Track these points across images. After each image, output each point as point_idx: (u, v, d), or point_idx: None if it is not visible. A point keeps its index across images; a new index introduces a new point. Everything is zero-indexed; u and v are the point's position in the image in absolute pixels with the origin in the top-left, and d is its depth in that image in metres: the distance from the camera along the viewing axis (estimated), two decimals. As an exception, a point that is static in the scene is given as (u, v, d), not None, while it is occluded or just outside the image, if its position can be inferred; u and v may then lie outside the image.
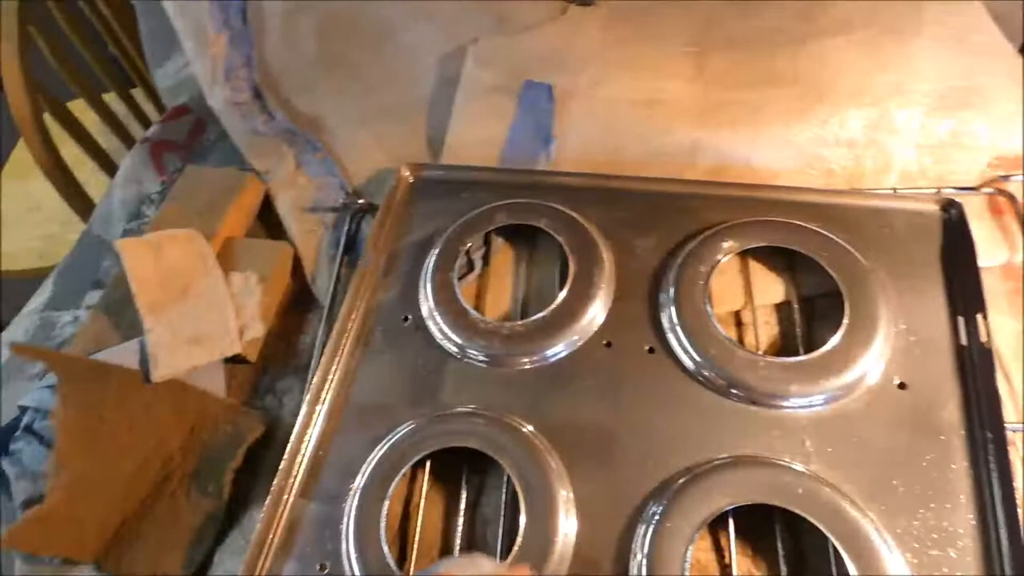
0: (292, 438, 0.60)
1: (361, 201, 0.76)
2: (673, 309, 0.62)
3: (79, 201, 1.12)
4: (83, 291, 0.86)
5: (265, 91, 0.84)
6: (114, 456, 0.62)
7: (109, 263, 0.88)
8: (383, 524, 0.55)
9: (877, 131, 0.68)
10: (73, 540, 0.59)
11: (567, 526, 0.54)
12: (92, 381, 0.63)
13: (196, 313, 0.67)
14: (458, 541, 0.56)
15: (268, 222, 0.80)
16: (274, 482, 0.58)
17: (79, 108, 1.21)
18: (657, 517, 0.53)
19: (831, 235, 0.62)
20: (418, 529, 0.57)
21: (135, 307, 0.68)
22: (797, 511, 0.51)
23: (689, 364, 0.60)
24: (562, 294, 0.64)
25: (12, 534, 0.57)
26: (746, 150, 0.69)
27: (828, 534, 0.49)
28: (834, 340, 0.57)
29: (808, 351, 0.59)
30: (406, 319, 0.67)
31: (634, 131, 0.72)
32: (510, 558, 0.52)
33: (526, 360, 0.63)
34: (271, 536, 0.56)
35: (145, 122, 1.30)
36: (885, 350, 0.57)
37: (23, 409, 0.65)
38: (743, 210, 0.66)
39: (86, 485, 0.60)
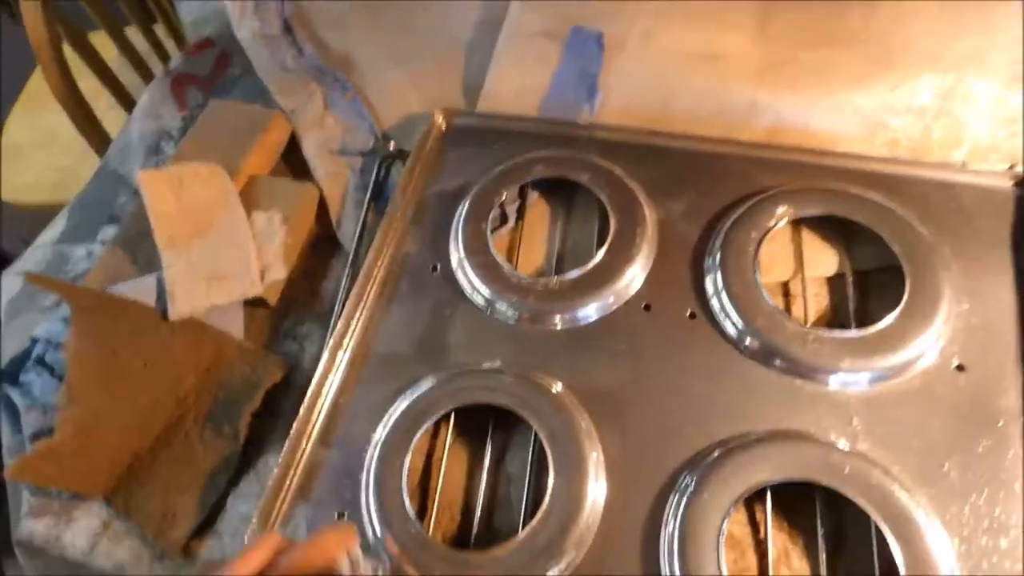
0: (312, 384, 0.58)
1: (391, 146, 0.72)
2: (719, 274, 0.58)
3: (95, 135, 1.09)
4: (98, 226, 0.83)
5: (295, 25, 0.80)
6: (127, 392, 0.59)
7: (125, 199, 0.85)
8: (405, 476, 0.53)
9: (950, 100, 0.64)
10: (82, 475, 0.57)
11: (596, 489, 0.51)
12: (106, 315, 0.61)
13: (216, 251, 0.65)
14: (480, 498, 0.54)
15: (293, 163, 0.77)
16: (293, 427, 0.56)
17: (99, 41, 1.17)
18: (692, 487, 0.50)
19: (894, 207, 0.59)
20: (439, 484, 0.55)
21: (153, 242, 0.66)
22: (844, 492, 0.48)
23: (732, 332, 0.57)
24: (601, 252, 0.61)
25: (20, 465, 0.55)
26: (806, 113, 0.64)
27: (875, 517, 0.47)
28: (892, 316, 0.54)
29: (859, 327, 0.56)
30: (434, 268, 0.64)
31: (687, 86, 0.68)
32: (536, 518, 0.50)
33: (558, 319, 0.60)
34: (288, 481, 0.54)
35: (166, 60, 1.26)
36: (945, 330, 0.54)
37: (34, 340, 0.63)
38: (799, 176, 0.63)
39: (97, 420, 0.58)
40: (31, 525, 0.59)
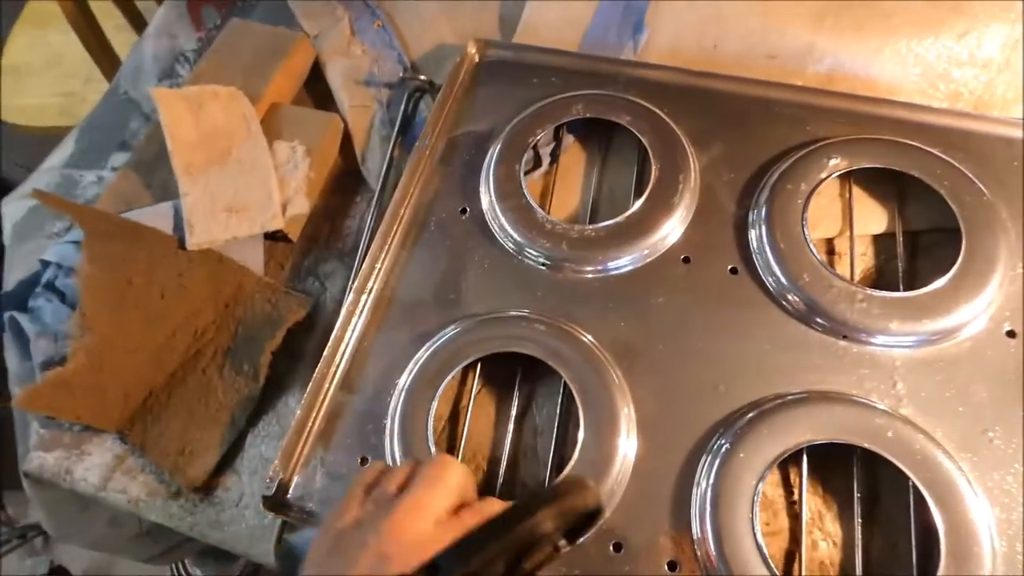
0: (337, 326, 0.55)
1: (422, 78, 0.68)
2: (764, 228, 0.56)
3: (104, 56, 1.04)
4: (108, 151, 0.80)
5: (322, -58, 0.75)
6: (142, 323, 0.57)
7: (137, 124, 0.81)
8: (430, 424, 0.51)
9: (1016, 52, 0.60)
10: (95, 407, 0.55)
11: (627, 445, 0.50)
12: (121, 240, 0.58)
13: (237, 180, 0.62)
14: (507, 448, 0.52)
15: (315, 92, 0.73)
16: (316, 370, 0.54)
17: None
18: (727, 447, 0.49)
19: (955, 163, 0.56)
20: (465, 432, 0.53)
21: (169, 168, 0.62)
22: (886, 455, 0.46)
23: (776, 289, 0.54)
24: (640, 200, 0.58)
25: (30, 395, 0.53)
26: (867, 60, 0.61)
27: (917, 482, 0.45)
28: (945, 278, 0.52)
29: (907, 287, 0.54)
30: (463, 211, 0.61)
31: (739, 27, 0.63)
32: (566, 470, 0.49)
33: (590, 268, 0.57)
34: (311, 423, 0.53)
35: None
36: (998, 295, 0.52)
37: (44, 264, 0.60)
38: (854, 126, 0.59)
39: (111, 350, 0.56)
40: (41, 457, 0.58)
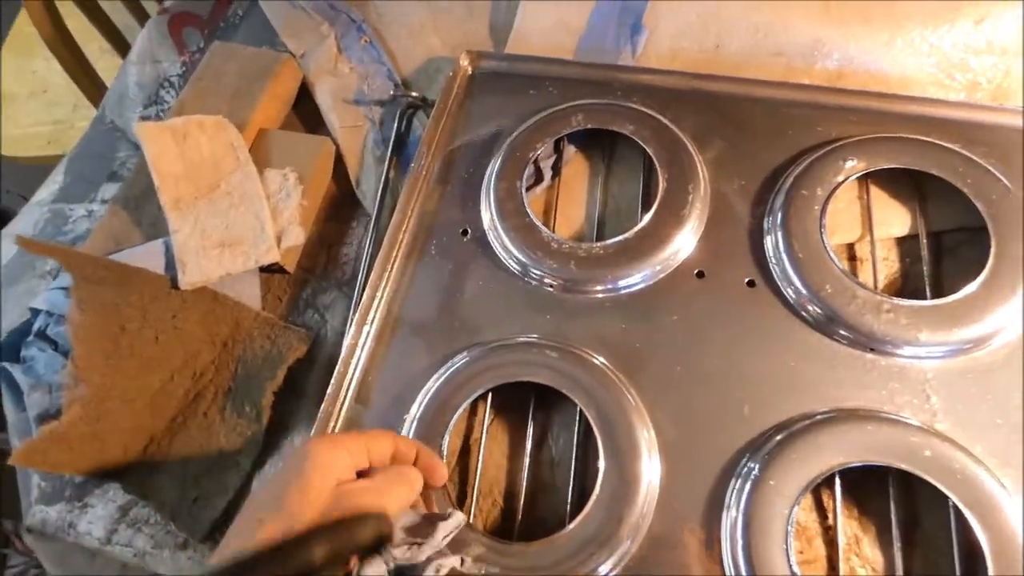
0: (340, 361, 0.53)
1: (413, 95, 0.66)
2: (780, 237, 0.53)
3: (89, 82, 1.02)
4: (97, 183, 0.78)
5: (303, -43, 0.72)
6: (138, 369, 0.55)
7: (125, 153, 0.79)
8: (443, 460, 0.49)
9: (1037, 37, 0.57)
10: (94, 459, 0.53)
11: (651, 471, 0.48)
12: (111, 285, 0.56)
13: (228, 213, 0.59)
14: (524, 484, 0.50)
15: (305, 113, 0.71)
16: (320, 408, 0.51)
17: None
18: (756, 472, 0.46)
19: (976, 158, 0.53)
20: (479, 467, 0.51)
21: (158, 202, 0.60)
22: (924, 476, 0.44)
23: (796, 301, 0.52)
24: (649, 214, 0.55)
25: (27, 451, 0.51)
26: (877, 53, 0.58)
27: (959, 503, 0.43)
28: (975, 283, 0.49)
29: (934, 292, 0.52)
30: (464, 232, 0.59)
31: (742, 24, 0.61)
32: (588, 506, 0.46)
33: (600, 288, 0.55)
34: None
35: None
36: (1032, 298, 0.49)
37: (35, 312, 0.58)
38: (869, 124, 0.56)
39: (107, 400, 0.54)
40: (43, 511, 0.56)
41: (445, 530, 0.41)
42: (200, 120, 0.62)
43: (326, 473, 0.37)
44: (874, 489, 0.47)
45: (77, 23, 1.01)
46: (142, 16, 1.12)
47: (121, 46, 1.07)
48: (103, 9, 1.05)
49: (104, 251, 0.61)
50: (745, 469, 0.47)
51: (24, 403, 0.56)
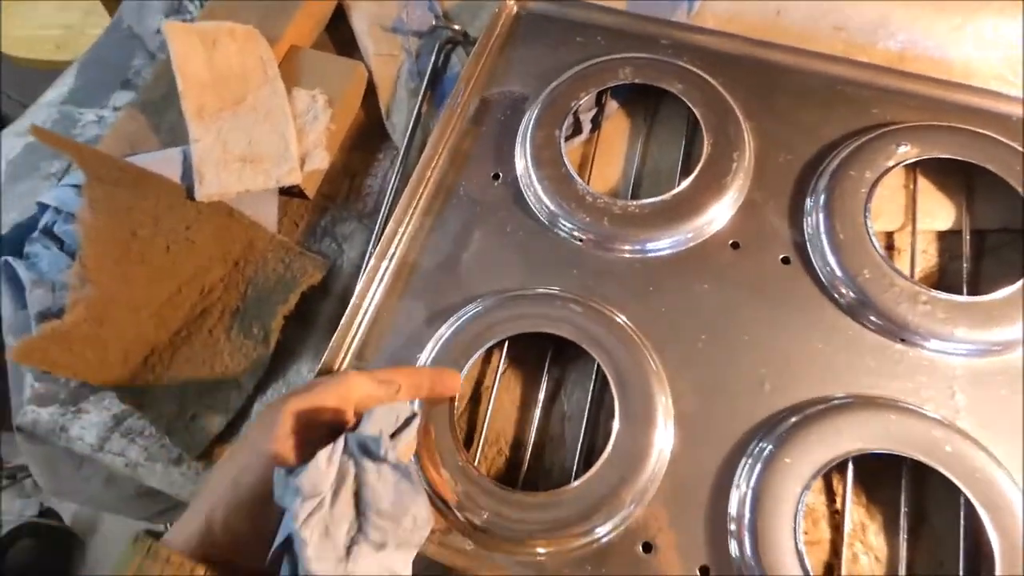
0: (355, 294, 0.52)
1: (455, 28, 0.63)
2: (822, 216, 0.52)
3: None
4: (110, 89, 0.75)
5: None
6: (146, 277, 0.53)
7: (141, 62, 0.76)
8: (453, 405, 0.48)
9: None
10: (93, 363, 0.52)
11: (664, 439, 0.47)
12: (126, 187, 0.54)
13: (252, 128, 0.57)
14: (532, 434, 0.49)
15: (338, 37, 0.68)
16: (332, 339, 0.50)
17: None
18: (770, 449, 0.45)
19: (1032, 157, 0.51)
20: (488, 414, 0.50)
21: (179, 109, 0.57)
22: (943, 470, 0.43)
23: (831, 283, 0.50)
24: (690, 177, 0.54)
25: (25, 347, 0.49)
26: (943, 38, 0.56)
27: (974, 501, 0.42)
28: (1017, 284, 0.48)
29: (970, 291, 0.50)
30: (496, 177, 0.57)
31: (807, -9, 0.58)
32: (597, 464, 0.45)
33: (630, 248, 0.53)
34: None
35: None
36: (1072, 305, 0.48)
37: (42, 208, 0.56)
38: (926, 111, 0.55)
39: (112, 304, 0.52)
40: (35, 412, 0.54)
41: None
42: (231, 28, 0.59)
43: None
44: (886, 479, 0.46)
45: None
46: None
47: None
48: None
49: (118, 154, 0.58)
50: (759, 447, 0.46)
51: (24, 300, 0.54)
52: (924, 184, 0.54)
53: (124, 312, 0.52)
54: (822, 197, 0.52)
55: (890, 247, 0.54)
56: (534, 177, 0.55)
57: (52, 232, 0.55)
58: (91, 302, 0.51)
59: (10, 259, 0.54)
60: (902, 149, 0.52)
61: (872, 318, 0.49)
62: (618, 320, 0.50)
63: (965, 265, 0.51)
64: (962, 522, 0.44)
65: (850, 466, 0.46)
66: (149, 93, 0.62)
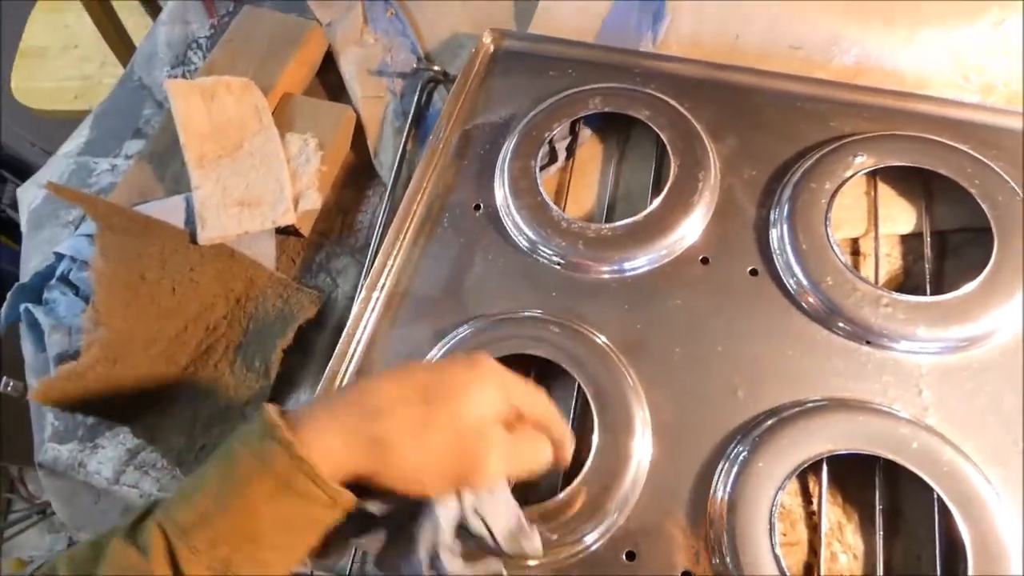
0: (348, 323, 0.55)
1: (435, 69, 0.67)
2: (786, 228, 0.54)
3: (119, 41, 1.04)
4: (123, 138, 0.80)
5: (334, -72, 0.73)
6: (155, 318, 0.57)
7: (151, 111, 0.81)
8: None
9: (1057, 43, 0.57)
10: (108, 400, 0.56)
11: (642, 450, 0.49)
12: (133, 235, 0.58)
13: (249, 173, 0.61)
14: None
15: (328, 82, 0.72)
16: (328, 366, 0.53)
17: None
18: (745, 454, 0.47)
19: (986, 160, 0.53)
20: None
21: (181, 159, 0.62)
22: (911, 467, 0.45)
23: (797, 292, 0.53)
24: (659, 198, 0.56)
25: (45, 388, 0.53)
26: (895, 51, 0.58)
27: (944, 496, 0.44)
28: (975, 282, 0.50)
29: (934, 290, 0.52)
30: (477, 208, 0.60)
31: (763, 16, 0.61)
32: (580, 476, 0.48)
33: (606, 268, 0.56)
34: (321, 423, 0.52)
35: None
36: (1031, 300, 0.50)
37: (59, 257, 0.60)
38: (880, 121, 0.57)
39: (124, 345, 0.56)
40: (55, 449, 0.58)
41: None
42: (228, 81, 0.63)
43: (482, 408, 0.37)
44: (860, 478, 0.48)
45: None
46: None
47: (153, 8, 1.09)
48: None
49: (128, 202, 0.62)
50: (734, 452, 0.48)
51: (44, 344, 0.58)
52: (884, 190, 0.57)
53: (135, 351, 0.56)
54: (785, 209, 0.55)
55: (856, 253, 0.56)
56: (512, 207, 0.58)
57: (68, 279, 0.59)
58: (104, 343, 0.55)
59: (31, 306, 0.58)
60: (859, 159, 0.55)
61: (838, 323, 0.51)
62: (596, 339, 0.53)
63: (927, 266, 0.53)
64: (936, 517, 0.45)
65: (824, 467, 0.48)
66: (155, 145, 0.67)
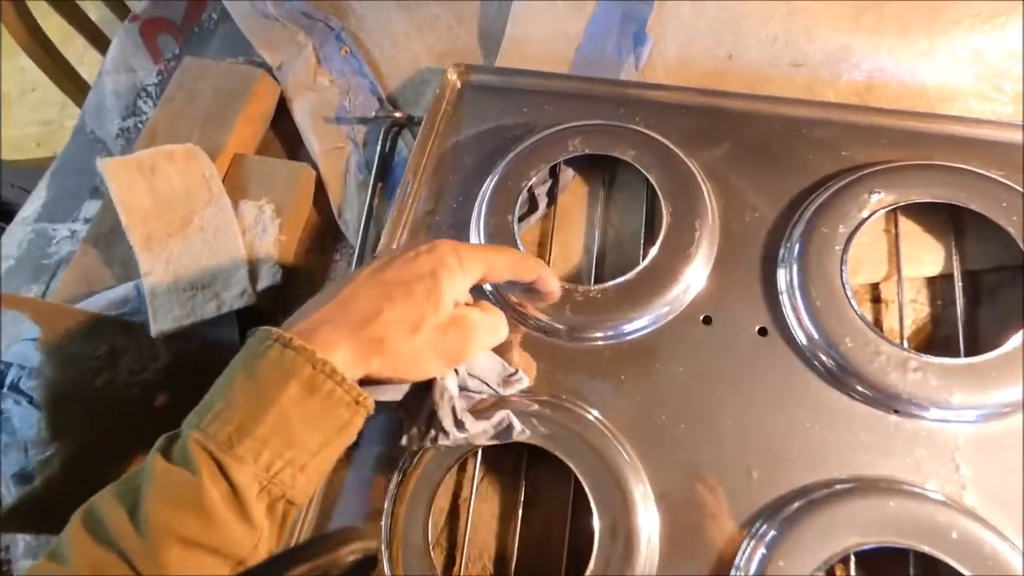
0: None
1: (397, 115, 0.61)
2: (796, 281, 0.48)
3: (71, 85, 0.97)
4: (80, 198, 0.76)
5: (275, -41, 0.67)
6: (113, 420, 0.53)
7: (107, 166, 0.76)
8: (428, 527, 0.46)
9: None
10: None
11: (649, 526, 0.44)
12: (79, 336, 0.53)
13: (201, 251, 0.56)
14: (516, 547, 0.47)
15: (285, 132, 0.66)
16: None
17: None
18: (763, 552, 0.42)
19: (1021, 188, 0.47)
20: (468, 530, 0.48)
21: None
22: (950, 561, 0.40)
23: (812, 354, 0.47)
24: (652, 251, 0.51)
25: (7, 516, 0.49)
26: (914, 62, 0.51)
27: (988, 595, 0.39)
28: (1016, 338, 0.44)
29: (969, 342, 0.46)
30: (453, 269, 0.55)
31: (759, 31, 0.54)
32: (591, 565, 0.43)
33: (598, 335, 0.51)
34: (300, 523, 0.48)
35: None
36: (1079, 354, 0.44)
37: (6, 364, 0.56)
38: (900, 147, 0.50)
39: (82, 456, 0.51)
40: (29, 566, 0.55)
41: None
42: (170, 151, 0.57)
43: (452, 297, 0.41)
44: (893, 569, 0.43)
45: (58, 20, 0.96)
46: (122, 12, 1.06)
47: (103, 44, 1.02)
48: (81, 8, 0.99)
49: (75, 293, 0.58)
50: (750, 549, 0.43)
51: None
52: (907, 227, 0.50)
53: (95, 462, 0.52)
54: (794, 259, 0.49)
55: (877, 300, 0.50)
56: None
57: (19, 388, 0.55)
58: (63, 459, 0.50)
59: (-18, 419, 0.54)
60: (875, 197, 0.48)
61: (861, 390, 0.46)
62: (589, 417, 0.48)
63: (960, 314, 0.47)
64: (979, 609, 0.40)
65: (852, 560, 0.43)
66: (100, 226, 0.62)
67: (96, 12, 1.04)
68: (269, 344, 0.36)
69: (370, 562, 0.33)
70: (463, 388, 0.45)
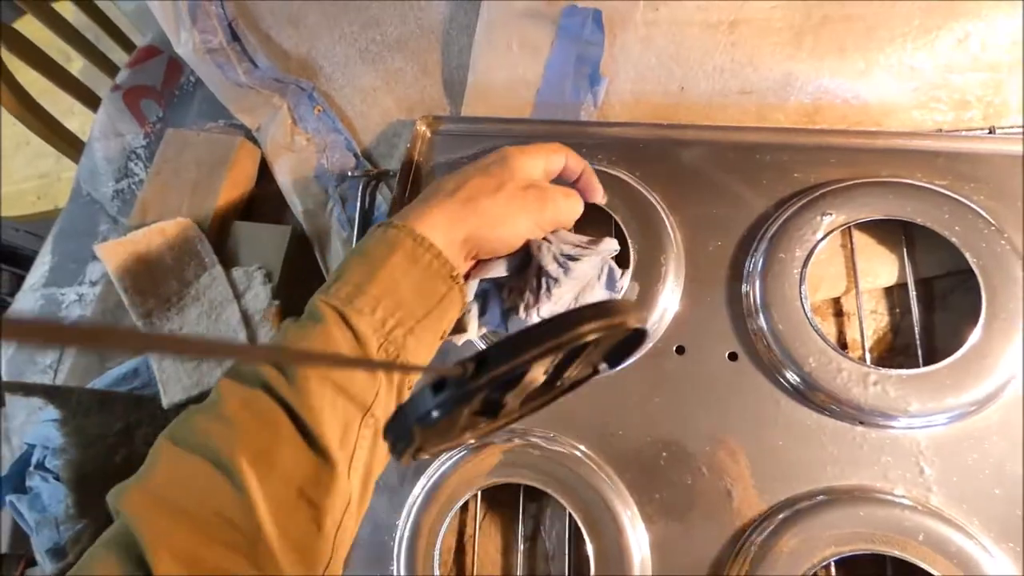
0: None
1: (372, 171, 0.63)
2: (759, 305, 0.51)
3: (63, 143, 1.00)
4: (84, 260, 0.78)
5: (242, 29, 0.69)
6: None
7: (106, 226, 0.79)
8: (436, 563, 0.50)
9: (1030, 48, 0.52)
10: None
11: (640, 546, 0.48)
12: (95, 414, 0.56)
13: (200, 322, 0.59)
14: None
15: (271, 193, 0.69)
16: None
17: (32, 28, 1.04)
18: (746, 570, 0.46)
19: (964, 199, 0.49)
20: (474, 566, 0.52)
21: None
22: (920, 564, 0.43)
23: (780, 374, 0.50)
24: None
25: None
26: (855, 82, 0.53)
27: (956, 589, 0.42)
28: (965, 346, 0.46)
29: (926, 347, 0.49)
30: (439, 319, 0.58)
31: (707, 64, 0.56)
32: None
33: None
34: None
35: (113, 33, 1.12)
36: (1029, 354, 0.47)
37: (31, 444, 0.59)
38: (848, 165, 0.53)
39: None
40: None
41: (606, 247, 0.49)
42: (162, 227, 0.61)
43: (524, 173, 0.46)
44: (872, 568, 0.46)
45: (40, 81, 0.99)
46: (106, 65, 1.09)
47: (92, 100, 1.05)
48: (67, 70, 1.02)
49: (88, 370, 0.61)
50: (734, 569, 0.46)
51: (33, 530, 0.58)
52: (862, 241, 0.53)
53: (124, 530, 0.55)
54: (757, 285, 0.51)
55: (839, 313, 0.53)
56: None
57: (46, 466, 0.58)
58: (91, 534, 0.54)
59: (14, 499, 0.58)
60: (827, 219, 0.51)
61: (828, 406, 0.49)
62: (576, 453, 0.51)
63: (916, 321, 0.50)
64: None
65: (832, 566, 0.46)
66: (104, 302, 0.65)
67: (78, 63, 1.06)
68: (375, 229, 0.43)
69: (641, 335, 0.35)
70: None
